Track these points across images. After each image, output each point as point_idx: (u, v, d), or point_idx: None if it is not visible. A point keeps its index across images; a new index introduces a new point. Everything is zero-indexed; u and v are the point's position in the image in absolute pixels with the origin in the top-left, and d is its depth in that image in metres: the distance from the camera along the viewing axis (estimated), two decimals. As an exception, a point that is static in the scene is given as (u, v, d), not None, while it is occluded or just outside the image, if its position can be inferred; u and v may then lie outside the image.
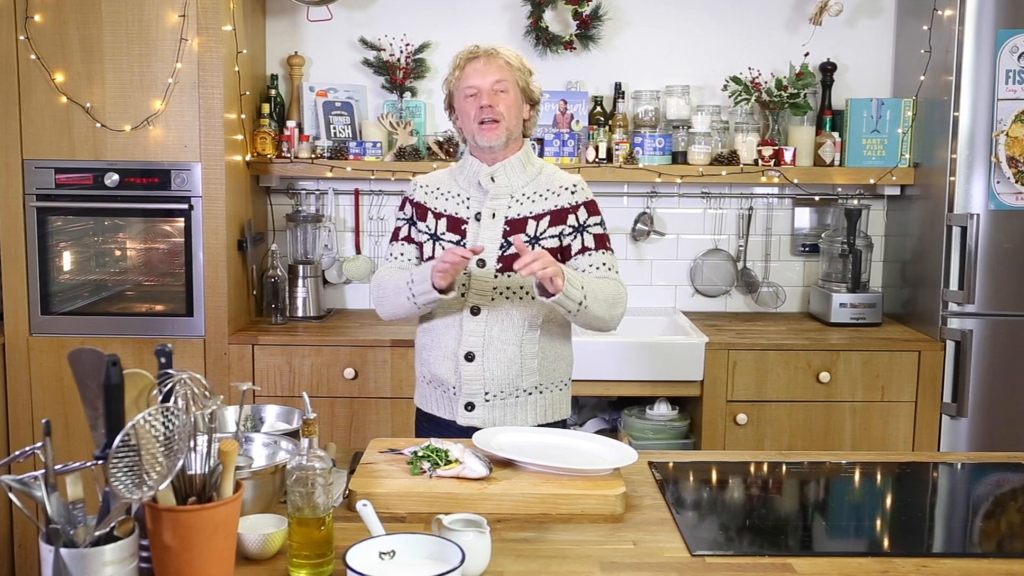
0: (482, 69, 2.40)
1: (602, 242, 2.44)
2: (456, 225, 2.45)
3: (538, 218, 2.41)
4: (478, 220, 2.43)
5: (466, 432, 2.38)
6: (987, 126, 3.39)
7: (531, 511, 1.87)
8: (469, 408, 2.42)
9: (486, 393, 2.41)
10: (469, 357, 2.40)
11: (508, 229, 2.40)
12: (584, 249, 2.42)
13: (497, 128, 2.39)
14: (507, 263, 2.37)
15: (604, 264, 2.42)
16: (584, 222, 2.43)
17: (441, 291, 2.29)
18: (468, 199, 2.46)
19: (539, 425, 2.42)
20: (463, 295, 2.40)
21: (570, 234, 2.42)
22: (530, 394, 2.43)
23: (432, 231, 2.47)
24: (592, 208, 2.46)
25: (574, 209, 2.43)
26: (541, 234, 2.41)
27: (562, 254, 2.43)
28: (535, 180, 2.46)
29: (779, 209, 4.02)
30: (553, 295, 2.23)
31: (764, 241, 4.02)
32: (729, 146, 3.81)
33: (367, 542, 1.54)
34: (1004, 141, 3.37)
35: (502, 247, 2.39)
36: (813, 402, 3.46)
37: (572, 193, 2.44)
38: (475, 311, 2.40)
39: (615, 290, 2.38)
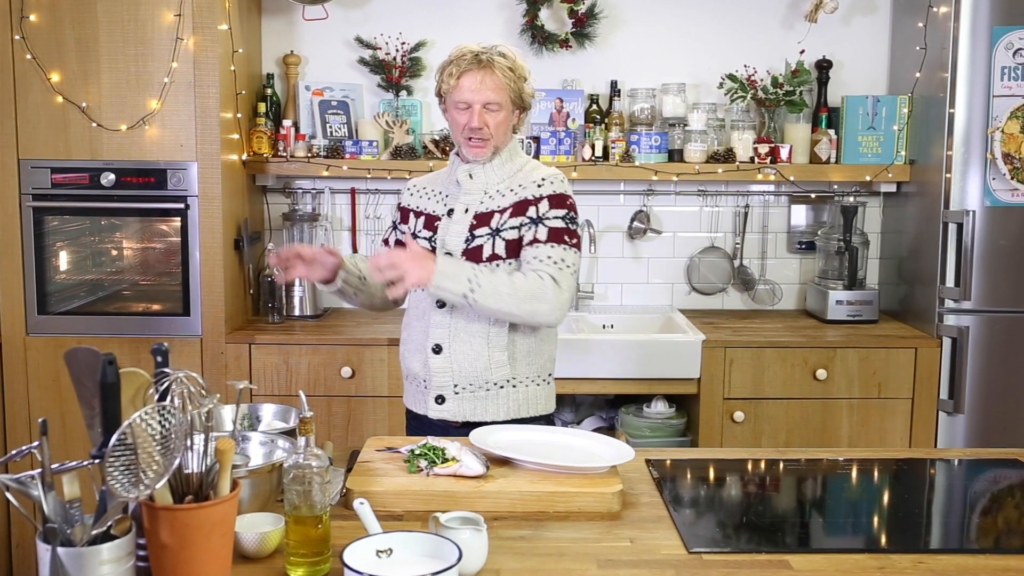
0: (477, 86, 2.36)
1: (557, 236, 2.35)
2: (431, 222, 2.47)
3: (503, 211, 2.40)
4: (450, 216, 2.44)
5: (438, 425, 2.43)
6: (983, 123, 3.39)
7: (528, 509, 1.87)
8: (439, 401, 2.43)
9: (455, 386, 2.41)
10: (436, 349, 2.41)
11: (475, 223, 2.40)
12: (534, 241, 2.36)
13: (484, 147, 2.40)
14: (471, 256, 2.37)
15: (549, 257, 2.33)
16: (543, 214, 2.37)
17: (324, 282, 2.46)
18: (446, 196, 2.49)
19: (515, 419, 2.42)
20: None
21: (527, 225, 2.38)
22: (501, 387, 2.42)
23: (413, 229, 2.50)
24: (556, 202, 2.38)
25: (536, 201, 2.38)
26: (502, 226, 2.39)
27: (519, 246, 2.40)
28: (513, 176, 2.44)
29: (775, 207, 4.02)
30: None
31: (760, 238, 4.03)
32: (725, 144, 3.81)
33: (364, 540, 1.54)
34: (1000, 138, 3.37)
35: (467, 240, 2.39)
36: (810, 399, 3.46)
37: (539, 186, 2.40)
38: (440, 304, 2.40)
39: (534, 285, 2.30)
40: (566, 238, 2.37)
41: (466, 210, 2.42)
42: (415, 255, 2.27)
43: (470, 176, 2.44)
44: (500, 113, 2.39)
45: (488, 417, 2.41)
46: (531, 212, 2.38)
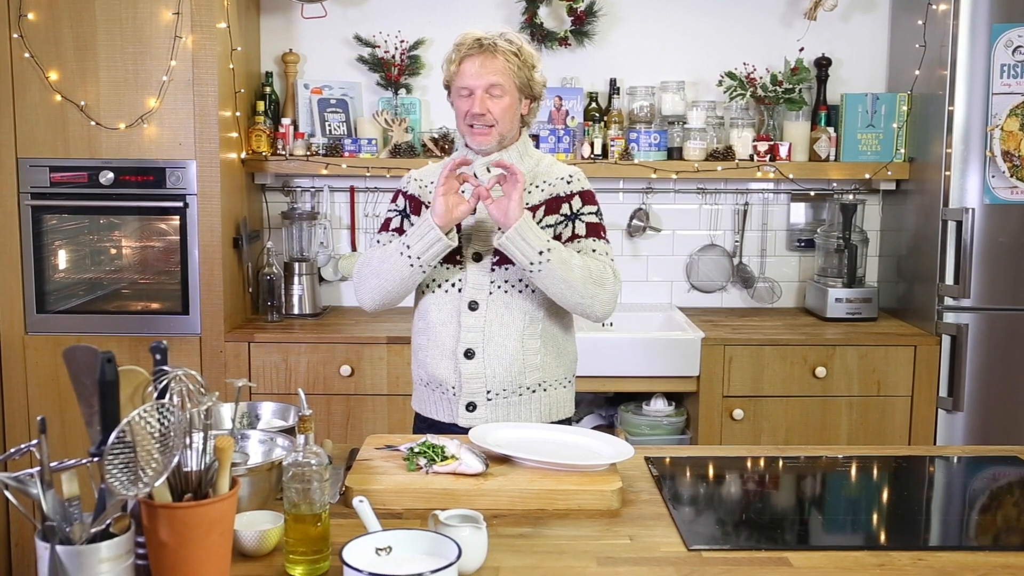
0: (477, 71, 2.29)
1: (595, 231, 2.37)
2: None
3: (533, 209, 2.35)
4: (473, 212, 2.33)
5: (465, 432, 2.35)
6: (982, 120, 3.39)
7: (527, 507, 1.87)
8: (471, 408, 2.36)
9: (488, 392, 2.35)
10: (469, 354, 2.34)
11: None
12: (574, 236, 2.35)
13: (489, 133, 2.33)
14: (504, 257, 2.31)
15: (594, 250, 2.33)
16: (577, 211, 2.36)
17: (444, 233, 2.24)
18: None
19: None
20: (459, 290, 2.35)
21: (563, 223, 2.36)
22: (533, 391, 2.38)
23: None
24: (588, 198, 2.39)
25: (568, 198, 2.37)
26: (536, 223, 2.34)
27: None
28: (532, 171, 2.39)
29: (775, 204, 4.02)
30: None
31: (760, 236, 4.03)
32: (724, 141, 3.81)
33: (364, 538, 1.54)
34: (999, 135, 3.37)
35: (497, 239, 2.33)
36: (809, 397, 3.46)
37: (567, 183, 2.38)
38: (473, 306, 2.34)
39: (599, 268, 2.28)
40: (602, 233, 2.38)
41: None
42: (521, 195, 2.19)
43: (488, 170, 2.35)
44: (504, 99, 2.31)
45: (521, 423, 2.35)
46: (565, 209, 2.37)
